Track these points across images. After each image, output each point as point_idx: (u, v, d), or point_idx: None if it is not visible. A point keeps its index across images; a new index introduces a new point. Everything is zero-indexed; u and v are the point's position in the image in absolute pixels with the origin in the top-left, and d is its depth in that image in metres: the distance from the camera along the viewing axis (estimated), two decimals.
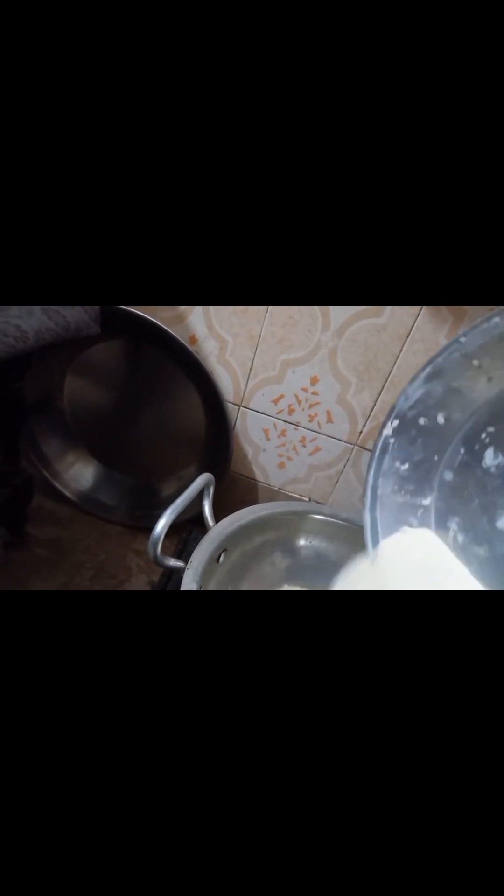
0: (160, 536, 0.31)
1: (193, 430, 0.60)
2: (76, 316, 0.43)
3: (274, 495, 0.65)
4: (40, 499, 0.63)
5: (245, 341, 0.56)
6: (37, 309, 0.39)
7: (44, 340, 0.38)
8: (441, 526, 0.35)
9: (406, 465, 0.36)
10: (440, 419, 0.34)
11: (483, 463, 0.33)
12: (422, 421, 0.35)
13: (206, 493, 0.39)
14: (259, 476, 0.65)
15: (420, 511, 0.36)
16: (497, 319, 0.30)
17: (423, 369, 0.33)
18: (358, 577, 0.34)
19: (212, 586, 0.36)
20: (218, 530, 0.37)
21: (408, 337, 0.50)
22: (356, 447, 0.59)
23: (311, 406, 0.58)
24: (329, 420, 0.58)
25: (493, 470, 0.33)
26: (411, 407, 0.35)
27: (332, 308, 0.51)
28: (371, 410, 0.56)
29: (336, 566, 0.44)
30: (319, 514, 0.44)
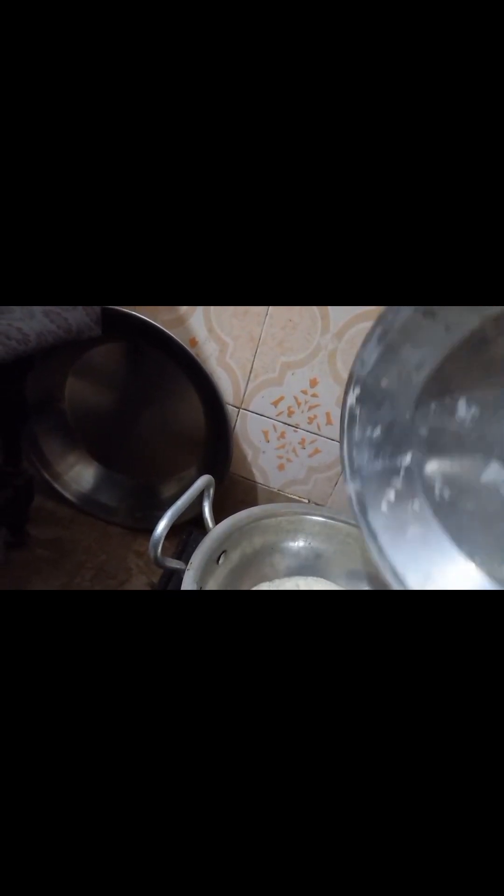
0: (161, 537, 0.31)
1: (193, 431, 0.60)
2: (77, 318, 0.43)
3: (273, 497, 0.66)
4: (41, 499, 0.64)
5: (245, 343, 0.56)
6: (38, 312, 0.39)
7: (45, 343, 0.38)
8: (425, 484, 0.34)
9: (378, 431, 0.34)
10: (402, 377, 0.32)
11: (457, 416, 0.32)
12: (384, 383, 0.33)
13: (206, 494, 0.39)
14: (259, 478, 0.65)
15: (402, 473, 0.35)
16: None
17: (373, 330, 0.31)
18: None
19: (211, 587, 0.36)
20: (218, 532, 0.37)
21: None
22: None
23: (310, 408, 0.58)
24: (328, 422, 0.58)
25: (468, 423, 0.31)
26: (370, 372, 0.32)
27: (331, 311, 0.51)
28: None
29: (335, 567, 0.44)
30: (318, 515, 0.44)
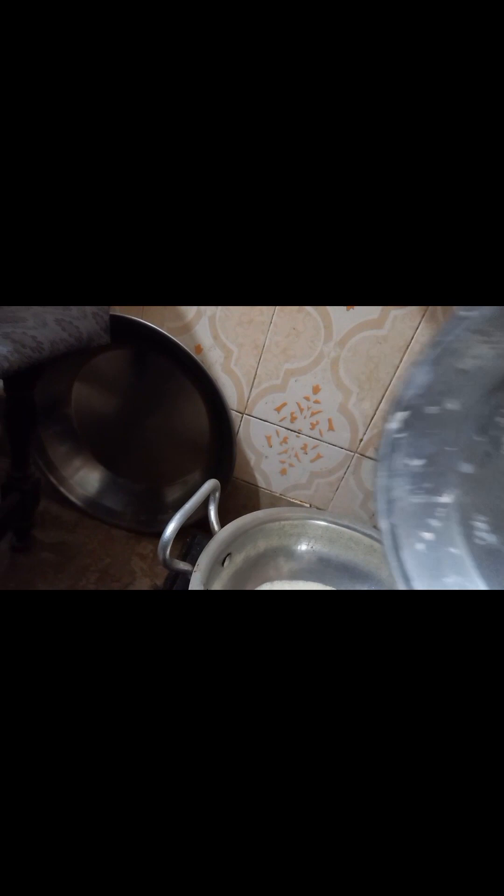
0: (170, 540, 0.32)
1: (198, 436, 0.61)
2: (88, 326, 0.44)
3: (276, 501, 0.66)
4: (47, 503, 0.65)
5: (249, 351, 0.57)
6: (51, 320, 0.40)
7: (58, 351, 0.39)
8: (465, 526, 0.31)
9: (420, 461, 0.31)
10: (450, 405, 0.29)
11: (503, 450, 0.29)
12: (430, 410, 0.30)
13: (211, 498, 0.40)
14: (261, 482, 0.66)
15: (440, 511, 0.32)
16: None
17: (429, 352, 0.28)
18: None
19: (216, 588, 0.37)
20: (223, 535, 0.38)
21: (407, 348, 0.52)
22: (356, 455, 0.60)
23: (312, 414, 0.59)
24: (330, 428, 0.59)
25: None
26: (419, 395, 0.30)
27: (334, 320, 0.53)
28: (371, 419, 0.57)
29: (337, 569, 0.45)
30: (322, 520, 0.45)
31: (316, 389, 0.58)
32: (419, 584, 0.32)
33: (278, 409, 0.60)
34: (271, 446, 0.63)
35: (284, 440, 0.62)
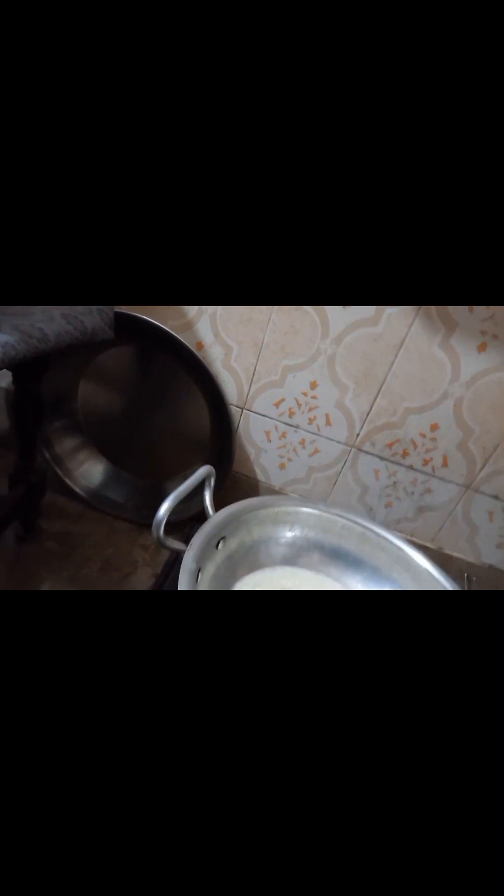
0: (163, 518, 0.34)
1: (199, 431, 0.63)
2: (93, 322, 0.47)
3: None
4: (52, 495, 0.67)
5: (249, 348, 0.59)
6: (58, 314, 0.42)
7: (63, 343, 0.41)
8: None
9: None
10: None
11: None
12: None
13: (206, 484, 0.42)
14: (261, 476, 0.68)
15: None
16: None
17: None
18: None
19: (210, 570, 0.38)
20: (217, 518, 0.40)
21: (402, 346, 0.53)
22: (354, 449, 0.61)
23: (310, 409, 0.61)
24: (328, 423, 0.61)
25: None
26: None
27: (330, 318, 0.54)
28: (367, 414, 0.59)
29: (330, 556, 0.47)
30: (314, 508, 0.47)
31: (313, 385, 0.59)
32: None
33: (277, 405, 0.62)
34: (270, 441, 0.64)
35: (283, 435, 0.63)
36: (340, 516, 0.47)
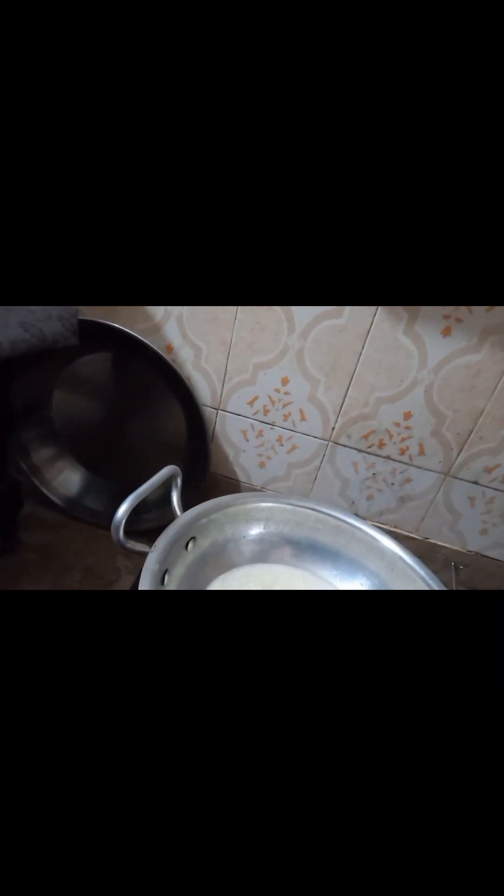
0: (122, 519, 0.33)
1: (175, 435, 0.63)
2: (52, 328, 0.47)
3: None
4: (32, 506, 0.66)
5: (218, 347, 0.59)
6: (13, 321, 0.42)
7: (19, 350, 0.41)
8: None
9: None
10: None
11: None
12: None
13: (173, 484, 0.42)
14: (241, 476, 0.67)
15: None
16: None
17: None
18: None
19: (179, 571, 0.38)
20: (184, 518, 0.39)
21: (367, 335, 0.53)
22: (330, 443, 0.61)
23: (284, 406, 0.60)
24: (303, 418, 0.60)
25: None
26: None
27: (295, 312, 0.54)
28: (341, 407, 0.58)
29: (305, 550, 0.46)
30: (287, 503, 0.46)
31: (285, 381, 0.59)
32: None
33: (251, 403, 0.61)
34: (248, 440, 0.64)
35: (260, 433, 0.63)
36: (314, 509, 0.46)
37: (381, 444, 0.59)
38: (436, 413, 0.55)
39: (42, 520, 0.66)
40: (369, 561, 0.44)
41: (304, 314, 0.54)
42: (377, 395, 0.56)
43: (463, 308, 0.49)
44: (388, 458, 0.59)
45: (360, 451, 0.60)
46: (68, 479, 0.67)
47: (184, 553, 0.39)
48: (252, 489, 0.67)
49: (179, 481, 0.42)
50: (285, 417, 0.61)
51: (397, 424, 0.57)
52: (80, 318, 0.52)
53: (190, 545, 0.40)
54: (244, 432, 0.64)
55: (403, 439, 0.58)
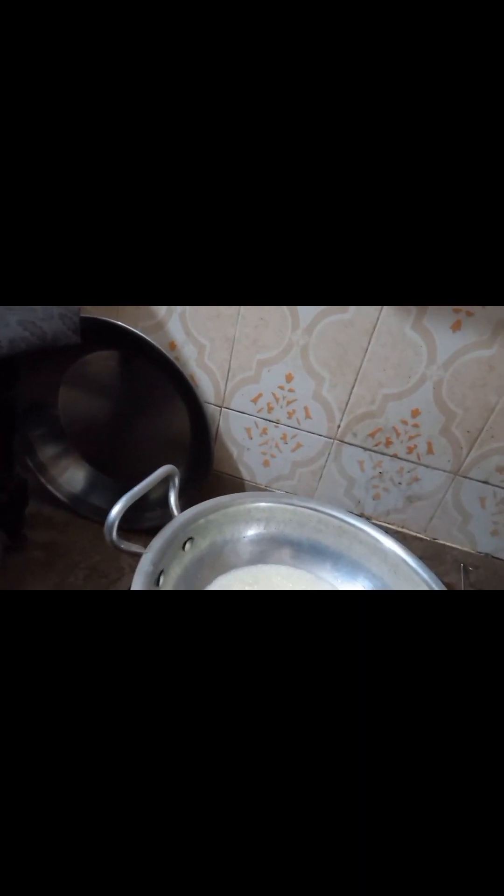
0: (115, 519, 0.33)
1: (179, 433, 0.62)
2: (53, 327, 0.46)
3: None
4: (38, 504, 0.67)
5: (221, 344, 0.58)
6: (13, 320, 0.42)
7: (18, 349, 0.41)
8: None
9: None
10: None
11: None
12: None
13: (171, 484, 0.41)
14: (245, 475, 0.66)
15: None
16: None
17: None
18: None
19: (176, 572, 0.37)
20: (182, 518, 0.39)
21: (374, 330, 0.52)
22: (336, 441, 0.60)
23: (288, 403, 0.59)
24: (307, 416, 0.59)
25: None
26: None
27: (299, 307, 0.53)
28: (346, 404, 0.57)
29: (307, 552, 0.45)
30: (288, 503, 0.45)
31: (289, 378, 0.58)
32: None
33: (255, 401, 0.60)
34: (252, 438, 0.63)
35: (264, 431, 0.62)
36: (316, 510, 0.45)
37: (388, 443, 0.57)
38: (445, 410, 0.53)
39: (48, 518, 0.67)
40: (372, 563, 0.43)
41: (308, 309, 0.53)
42: (384, 391, 0.54)
43: None
44: (395, 456, 0.58)
45: (366, 449, 0.58)
46: (73, 476, 0.67)
47: (181, 554, 0.38)
48: (256, 488, 0.66)
49: (177, 480, 0.41)
50: (290, 415, 0.60)
51: (404, 422, 0.55)
52: (83, 315, 0.52)
53: (187, 546, 0.39)
54: (248, 430, 0.63)
55: (411, 437, 0.56)
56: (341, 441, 0.59)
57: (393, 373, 0.53)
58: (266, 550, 0.44)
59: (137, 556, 0.33)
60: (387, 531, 0.47)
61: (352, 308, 0.51)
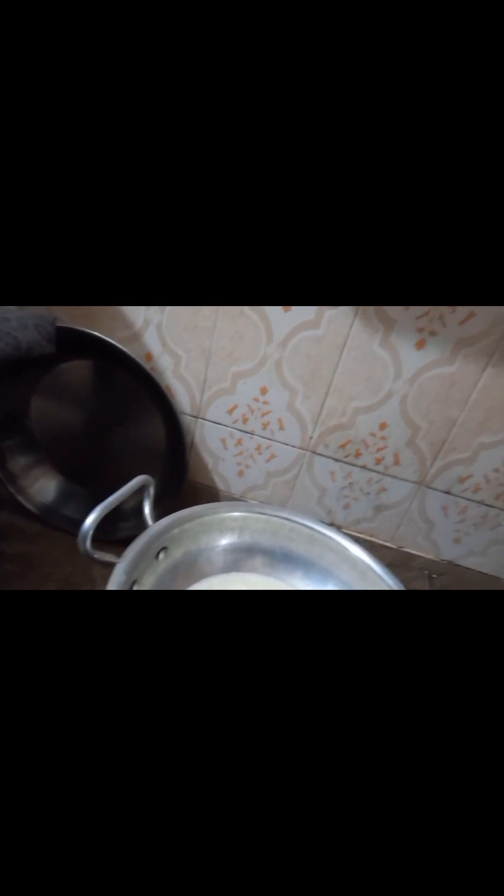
0: (89, 529, 0.33)
1: (154, 443, 0.63)
2: (28, 337, 0.46)
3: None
4: (9, 516, 0.65)
5: (197, 356, 0.59)
6: None
7: None
8: None
9: None
10: None
11: None
12: None
13: (146, 493, 0.42)
14: (220, 485, 0.67)
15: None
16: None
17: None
18: None
19: (149, 581, 0.38)
20: (156, 528, 0.39)
21: (345, 346, 0.54)
22: (309, 452, 0.61)
23: (263, 415, 0.61)
24: (281, 427, 0.61)
25: None
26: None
27: (273, 321, 0.55)
28: (319, 416, 0.59)
29: (280, 560, 0.46)
30: (261, 513, 0.46)
31: (264, 390, 0.59)
32: None
33: (230, 412, 0.62)
34: (227, 448, 0.64)
35: (239, 442, 0.63)
36: (288, 519, 0.46)
37: (358, 454, 0.59)
38: (410, 424, 0.56)
39: (21, 530, 0.65)
40: (341, 570, 0.45)
41: (282, 324, 0.55)
42: (354, 405, 0.57)
43: (436, 321, 0.50)
44: (365, 467, 0.60)
45: (337, 460, 0.60)
46: (45, 487, 0.66)
47: (154, 563, 0.39)
48: (231, 498, 0.67)
49: (152, 490, 0.42)
50: (264, 426, 0.61)
51: (373, 434, 0.58)
52: (59, 325, 0.52)
53: (161, 555, 0.40)
54: (223, 440, 0.64)
55: (379, 449, 0.58)
56: (314, 452, 0.61)
57: (362, 387, 0.55)
58: (239, 559, 0.45)
59: (111, 566, 0.34)
60: (356, 540, 0.49)
61: (324, 323, 0.53)
